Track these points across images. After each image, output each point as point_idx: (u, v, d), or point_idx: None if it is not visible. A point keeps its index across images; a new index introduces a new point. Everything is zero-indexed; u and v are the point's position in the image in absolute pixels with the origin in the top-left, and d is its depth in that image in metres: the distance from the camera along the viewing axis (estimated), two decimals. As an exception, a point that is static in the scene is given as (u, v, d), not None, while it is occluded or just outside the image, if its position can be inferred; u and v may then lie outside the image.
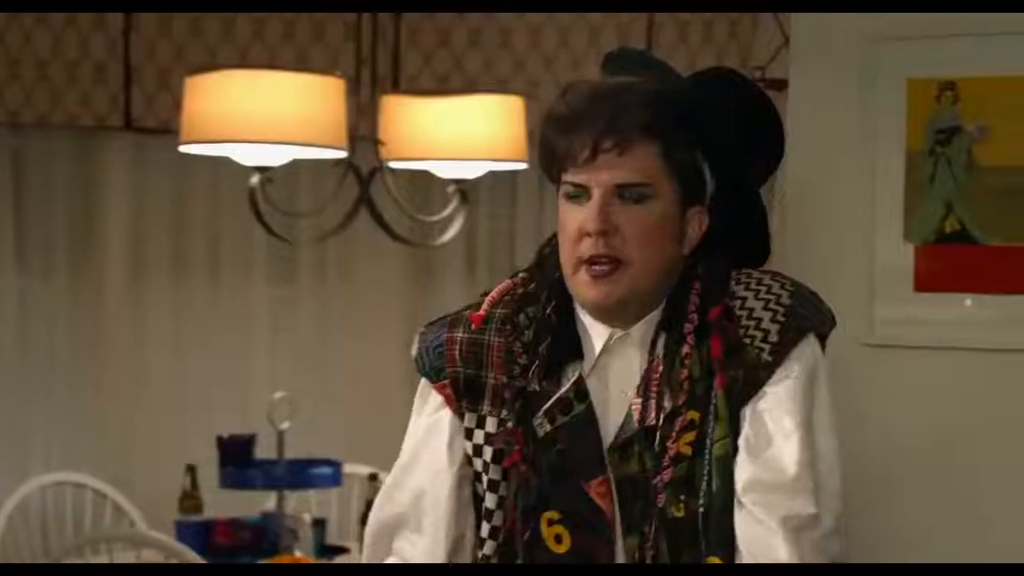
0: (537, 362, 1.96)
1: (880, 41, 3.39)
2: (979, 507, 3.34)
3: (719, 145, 1.96)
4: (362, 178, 4.38)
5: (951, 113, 3.37)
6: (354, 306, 5.73)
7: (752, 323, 1.92)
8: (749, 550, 1.88)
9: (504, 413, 1.97)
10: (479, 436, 2.00)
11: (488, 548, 2.00)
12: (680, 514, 1.90)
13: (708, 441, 1.90)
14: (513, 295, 2.02)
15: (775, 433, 1.90)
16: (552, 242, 2.02)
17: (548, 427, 1.95)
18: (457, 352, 2.01)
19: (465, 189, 4.51)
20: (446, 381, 2.02)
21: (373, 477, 4.66)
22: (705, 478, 1.90)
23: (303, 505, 4.75)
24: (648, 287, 1.93)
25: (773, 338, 1.91)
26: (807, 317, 1.94)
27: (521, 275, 2.04)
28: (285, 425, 4.49)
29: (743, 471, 1.89)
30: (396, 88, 4.94)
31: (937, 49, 3.36)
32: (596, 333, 1.97)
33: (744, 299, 1.94)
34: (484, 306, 2.01)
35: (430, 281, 5.74)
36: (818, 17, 3.43)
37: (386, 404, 5.69)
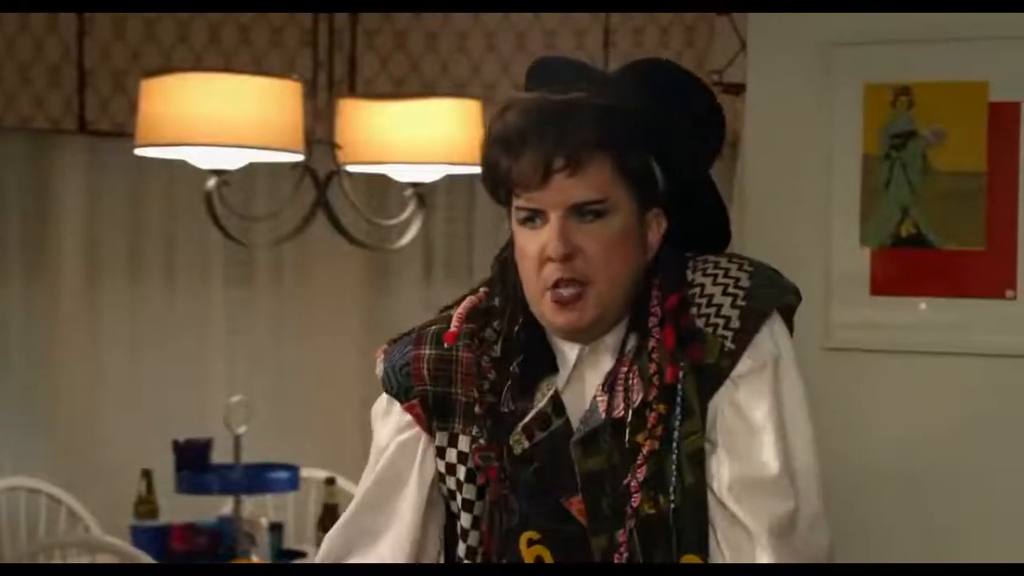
0: (510, 381, 1.91)
1: (836, 46, 3.41)
2: (936, 509, 3.36)
3: (667, 142, 1.92)
4: (319, 182, 4.37)
5: (906, 118, 3.39)
6: (311, 309, 5.72)
7: (712, 310, 1.88)
8: (731, 549, 1.86)
9: (475, 431, 1.93)
10: (451, 455, 1.95)
11: None
12: (651, 511, 1.86)
13: (675, 435, 1.86)
14: (477, 310, 1.96)
15: (749, 428, 1.86)
16: (507, 252, 1.98)
17: (526, 444, 1.90)
18: (425, 370, 1.96)
19: (422, 193, 4.51)
20: (415, 400, 1.97)
21: (330, 481, 4.65)
22: (675, 474, 1.86)
23: (260, 509, 4.74)
24: (617, 303, 1.88)
25: (735, 324, 1.87)
26: (767, 297, 1.90)
27: (482, 289, 1.99)
28: (242, 429, 4.47)
29: (722, 469, 1.86)
30: (353, 91, 4.94)
31: (893, 54, 3.38)
32: (567, 347, 1.92)
33: (703, 286, 1.90)
34: (454, 323, 1.95)
35: (387, 284, 5.74)
36: (775, 22, 3.45)
37: (343, 408, 5.69)
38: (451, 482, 1.97)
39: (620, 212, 1.87)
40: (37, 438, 5.52)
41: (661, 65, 2.01)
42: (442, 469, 1.97)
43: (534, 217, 1.88)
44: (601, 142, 1.85)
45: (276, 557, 4.45)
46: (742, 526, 1.86)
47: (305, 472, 4.82)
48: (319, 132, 4.52)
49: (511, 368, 1.92)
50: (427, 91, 5.17)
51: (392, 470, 2.00)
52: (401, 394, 1.98)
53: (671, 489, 1.86)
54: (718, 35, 4.52)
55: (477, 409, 1.93)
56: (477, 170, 5.02)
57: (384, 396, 2.02)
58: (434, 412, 1.96)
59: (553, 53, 2.08)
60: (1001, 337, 3.32)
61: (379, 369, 2.01)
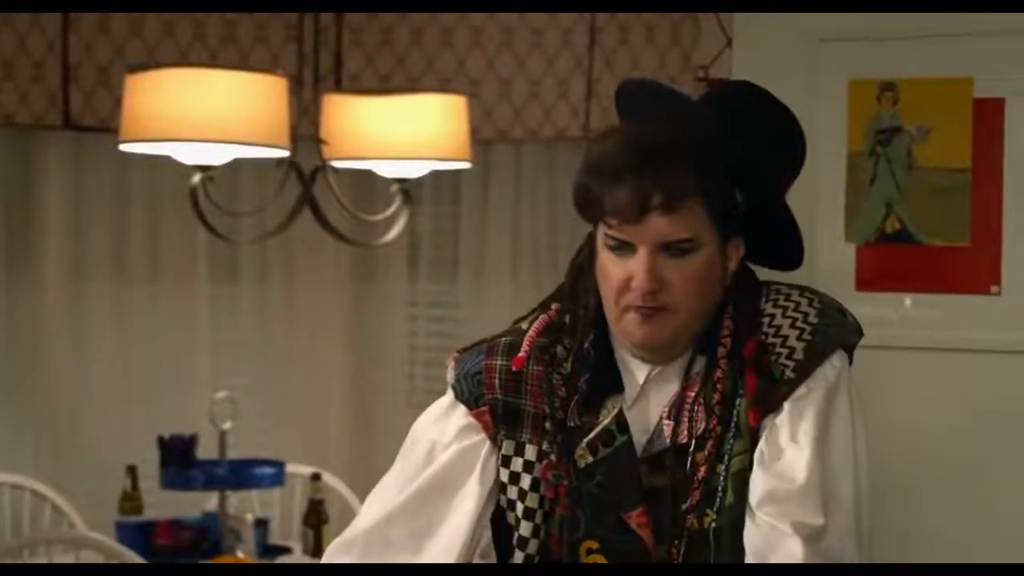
0: (577, 397, 1.97)
1: (822, 42, 3.41)
2: (922, 502, 3.37)
3: (750, 169, 1.97)
4: (304, 177, 4.36)
5: (891, 114, 3.40)
6: (296, 305, 5.71)
7: (779, 340, 1.95)
8: (756, 551, 1.91)
9: (546, 445, 1.98)
10: (518, 464, 2.00)
11: None
12: (696, 527, 1.93)
13: (727, 457, 1.93)
14: (550, 326, 2.02)
15: (787, 446, 1.92)
16: (581, 259, 2.03)
17: (590, 458, 1.96)
18: (497, 380, 2.02)
19: (408, 188, 4.50)
20: (485, 408, 2.02)
21: (316, 477, 4.65)
22: (720, 493, 1.92)
23: (245, 505, 4.73)
24: (693, 331, 1.95)
25: (798, 355, 1.94)
26: (833, 336, 1.97)
27: (554, 306, 2.04)
28: (227, 425, 4.47)
29: (757, 484, 1.92)
30: (338, 87, 4.93)
31: (878, 50, 3.38)
32: (636, 367, 1.99)
33: (772, 316, 1.97)
34: (524, 346, 2.01)
35: (372, 280, 5.73)
36: (761, 18, 3.45)
37: (329, 404, 5.68)
38: (513, 492, 2.01)
39: (705, 248, 1.94)
40: (21, 434, 5.50)
41: (746, 90, 2.06)
42: (505, 478, 2.01)
43: (622, 247, 1.93)
44: (699, 186, 1.91)
45: (261, 553, 4.44)
46: (768, 526, 1.90)
47: (291, 468, 4.82)
48: (304, 128, 4.51)
49: (579, 383, 1.98)
50: (413, 86, 5.16)
51: (449, 473, 2.03)
52: (471, 401, 2.03)
53: (715, 508, 1.93)
54: (704, 32, 4.52)
55: (548, 425, 1.98)
56: (463, 165, 5.03)
57: (443, 401, 2.07)
58: (503, 421, 2.01)
59: (639, 77, 2.11)
60: (986, 332, 3.33)
61: (450, 376, 2.06)
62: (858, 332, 2.02)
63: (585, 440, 1.96)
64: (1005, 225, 3.31)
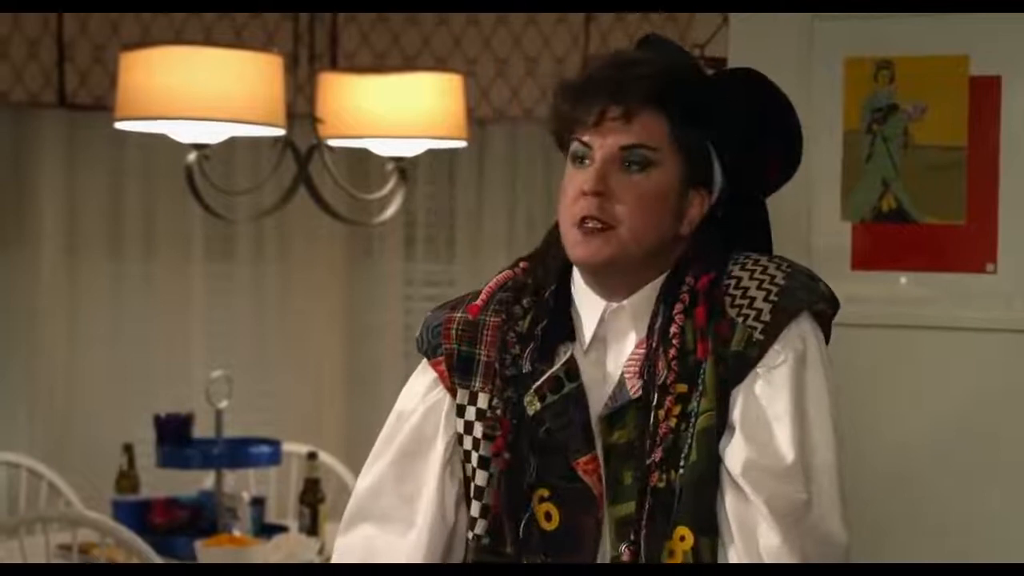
0: (532, 344, 1.99)
1: (818, 19, 3.41)
2: (916, 482, 3.38)
3: (731, 142, 1.98)
4: (300, 156, 4.36)
5: (888, 92, 3.39)
6: (292, 284, 5.71)
7: (745, 302, 1.94)
8: (740, 527, 1.91)
9: (493, 401, 2.00)
10: (471, 412, 2.02)
11: (479, 527, 2.01)
12: (661, 485, 1.92)
13: (693, 414, 1.92)
14: (513, 283, 2.04)
15: (768, 417, 1.91)
16: (550, 235, 2.05)
17: (537, 405, 1.97)
18: (453, 330, 2.04)
19: (404, 167, 4.50)
20: (441, 358, 2.04)
21: (312, 455, 4.66)
22: (685, 451, 1.91)
23: (241, 484, 4.74)
24: (638, 253, 1.94)
25: (765, 317, 1.92)
26: (800, 298, 1.95)
27: (522, 264, 2.06)
28: (223, 403, 4.48)
29: (738, 451, 1.91)
30: (334, 65, 4.93)
31: (874, 28, 3.38)
32: (591, 307, 1.99)
33: (740, 279, 1.96)
34: (482, 297, 2.03)
35: (368, 259, 5.74)
36: (757, -4, 3.45)
37: (325, 383, 5.69)
38: (468, 441, 2.02)
39: (662, 171, 1.95)
40: (17, 412, 5.51)
41: (752, 77, 2.06)
42: (460, 428, 2.03)
43: (584, 156, 1.96)
44: (658, 96, 1.93)
45: (258, 531, 4.45)
46: (753, 505, 1.90)
47: (287, 446, 4.83)
48: (300, 106, 4.51)
49: (535, 332, 1.99)
50: (408, 65, 5.16)
51: (420, 434, 2.06)
52: (429, 352, 2.07)
53: (680, 466, 1.91)
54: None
55: (497, 381, 1.99)
56: (459, 144, 5.03)
57: (423, 359, 2.09)
58: (457, 369, 2.03)
59: (657, 33, 2.16)
60: (981, 311, 3.33)
61: (418, 332, 2.10)
62: (828, 301, 2.00)
63: (533, 387, 1.97)
64: (1000, 203, 3.30)
